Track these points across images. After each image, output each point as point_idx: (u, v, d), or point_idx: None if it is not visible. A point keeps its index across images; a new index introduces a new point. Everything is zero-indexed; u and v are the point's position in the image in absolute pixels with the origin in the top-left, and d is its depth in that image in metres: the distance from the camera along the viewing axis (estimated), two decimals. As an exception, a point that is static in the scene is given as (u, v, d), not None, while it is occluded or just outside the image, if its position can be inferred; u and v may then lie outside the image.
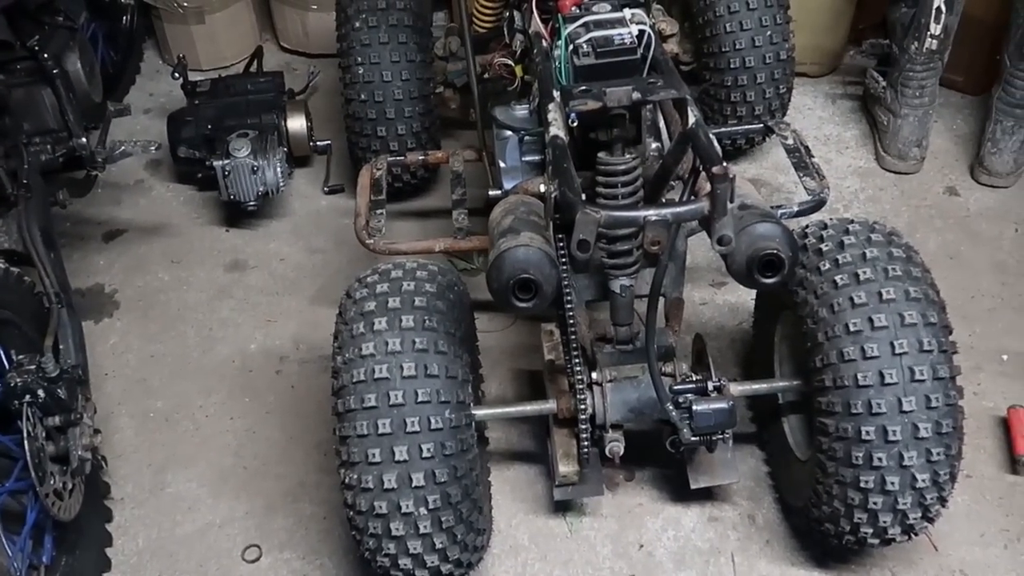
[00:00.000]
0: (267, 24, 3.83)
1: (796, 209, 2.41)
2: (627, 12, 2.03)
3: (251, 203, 2.89)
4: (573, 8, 2.08)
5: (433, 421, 1.75)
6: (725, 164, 1.67)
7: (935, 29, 2.86)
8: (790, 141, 2.59)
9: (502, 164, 2.29)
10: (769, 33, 2.73)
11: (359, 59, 2.69)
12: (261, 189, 2.88)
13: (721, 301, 2.68)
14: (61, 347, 2.12)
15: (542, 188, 1.85)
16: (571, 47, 1.98)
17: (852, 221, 1.96)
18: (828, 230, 1.95)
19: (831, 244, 1.90)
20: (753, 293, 2.35)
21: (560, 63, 2.01)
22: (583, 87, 1.88)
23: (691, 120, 1.85)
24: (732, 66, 2.75)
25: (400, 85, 2.69)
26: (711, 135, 1.81)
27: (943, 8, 2.82)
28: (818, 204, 2.44)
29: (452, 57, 2.93)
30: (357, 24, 2.71)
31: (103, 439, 2.17)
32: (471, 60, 2.66)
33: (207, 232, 3.01)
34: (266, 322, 2.71)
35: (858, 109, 3.32)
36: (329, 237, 2.96)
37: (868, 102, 3.24)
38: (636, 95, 1.85)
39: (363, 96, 2.70)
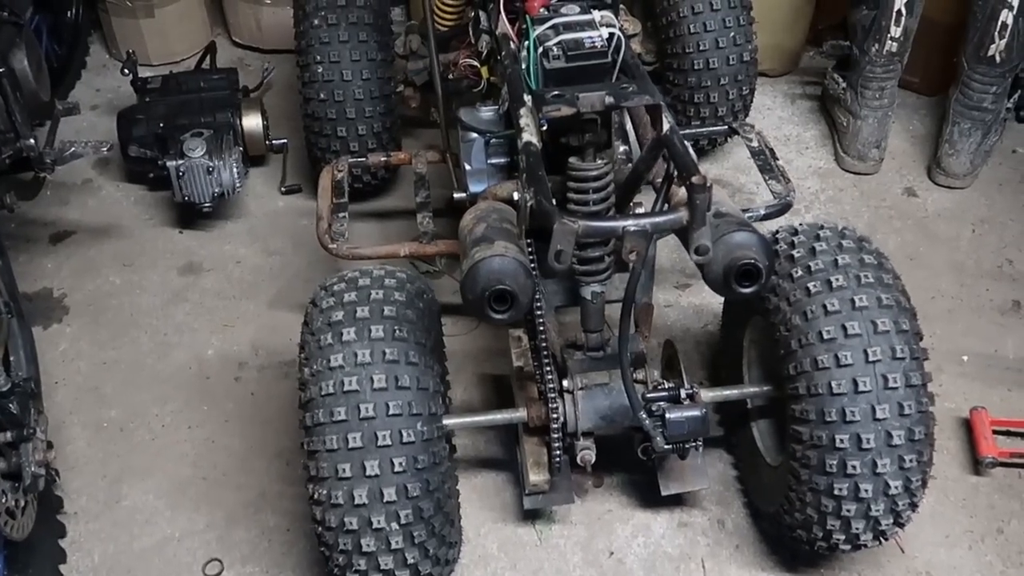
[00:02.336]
0: (219, 19, 3.74)
1: (763, 212, 2.41)
2: (596, 14, 2.01)
3: (206, 204, 2.81)
4: (542, 10, 2.05)
5: (405, 434, 1.71)
6: (703, 173, 1.66)
7: (895, 32, 2.89)
8: (755, 143, 2.59)
9: (468, 167, 2.24)
10: (732, 34, 2.72)
11: (318, 57, 2.63)
12: (217, 190, 2.80)
13: (686, 303, 2.68)
14: (12, 359, 2.05)
15: (515, 196, 1.82)
16: (540, 49, 1.95)
17: (823, 227, 1.96)
18: (799, 236, 1.94)
19: (803, 250, 1.90)
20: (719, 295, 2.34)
21: (529, 66, 1.97)
22: (555, 91, 1.85)
23: (666, 126, 1.82)
24: (696, 67, 2.74)
25: (360, 84, 2.64)
26: (686, 142, 1.78)
27: (903, 11, 2.85)
28: (784, 207, 2.44)
29: (412, 55, 2.88)
30: (316, 22, 2.65)
31: (55, 451, 2.09)
32: (435, 59, 2.61)
33: (160, 234, 2.93)
34: (223, 327, 2.64)
35: (817, 109, 3.34)
36: (287, 238, 2.89)
37: (827, 103, 3.25)
38: (610, 100, 1.83)
39: (323, 95, 2.64)
